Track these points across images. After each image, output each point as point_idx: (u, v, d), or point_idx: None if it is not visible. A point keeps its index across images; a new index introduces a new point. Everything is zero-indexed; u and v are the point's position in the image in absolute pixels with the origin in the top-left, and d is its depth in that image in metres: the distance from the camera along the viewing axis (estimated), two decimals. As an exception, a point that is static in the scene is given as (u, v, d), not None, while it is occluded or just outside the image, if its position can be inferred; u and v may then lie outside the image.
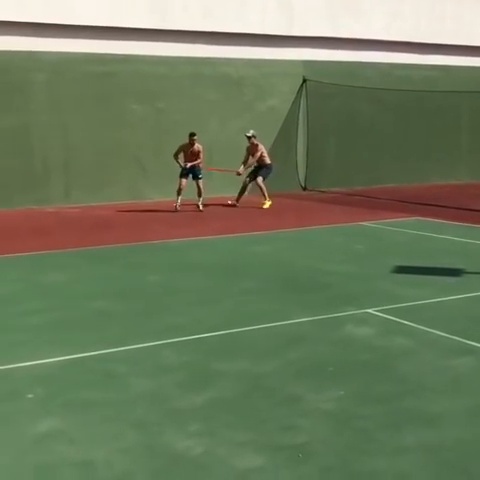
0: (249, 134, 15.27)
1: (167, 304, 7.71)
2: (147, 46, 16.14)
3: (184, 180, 14.61)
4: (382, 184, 18.64)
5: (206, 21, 16.65)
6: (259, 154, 15.22)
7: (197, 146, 14.58)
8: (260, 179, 15.25)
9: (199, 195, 14.68)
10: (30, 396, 5.14)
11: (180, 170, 14.65)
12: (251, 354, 6.02)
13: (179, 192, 14.54)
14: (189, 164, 14.52)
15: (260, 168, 15.39)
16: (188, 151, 14.57)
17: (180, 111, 16.48)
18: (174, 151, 14.60)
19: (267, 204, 15.11)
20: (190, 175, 14.66)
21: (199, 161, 14.65)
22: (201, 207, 14.61)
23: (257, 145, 15.23)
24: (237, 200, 15.33)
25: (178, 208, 14.40)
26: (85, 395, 5.16)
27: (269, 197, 15.12)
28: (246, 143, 15.31)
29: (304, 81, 18.17)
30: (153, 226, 12.90)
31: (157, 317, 7.19)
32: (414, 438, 4.45)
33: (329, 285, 8.47)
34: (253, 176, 15.37)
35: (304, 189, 18.20)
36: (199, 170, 14.70)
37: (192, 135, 14.49)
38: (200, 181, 14.71)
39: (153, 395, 5.16)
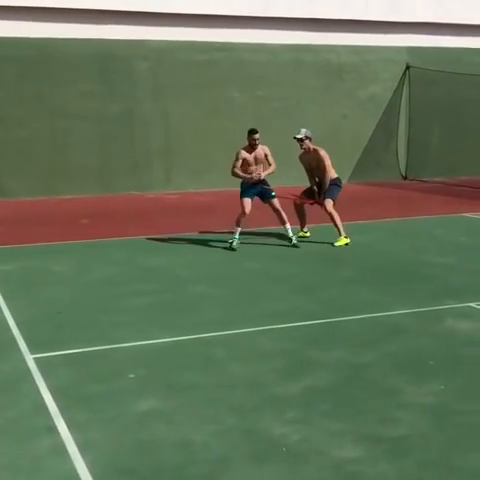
0: (300, 135, 9.99)
1: (266, 291, 7.74)
2: (249, 34, 16.21)
3: (249, 201, 9.69)
4: (488, 174, 18.01)
5: (308, 8, 16.51)
6: (328, 164, 9.95)
7: (262, 148, 9.74)
8: (330, 204, 9.95)
9: (283, 222, 9.78)
10: (132, 376, 5.28)
11: (241, 187, 9.76)
12: (349, 344, 5.96)
13: (239, 221, 9.65)
14: (263, 174, 9.61)
15: (328, 185, 10.03)
16: (251, 157, 9.70)
17: (280, 99, 16.46)
18: (232, 164, 9.72)
19: (343, 241, 9.87)
20: (256, 194, 9.75)
21: (271, 170, 9.73)
22: (294, 239, 9.73)
23: (318, 151, 9.99)
24: (302, 228, 10.51)
25: (235, 246, 9.55)
26: (184, 377, 5.26)
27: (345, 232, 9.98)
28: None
29: (407, 68, 17.75)
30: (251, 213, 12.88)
31: (256, 303, 7.23)
32: (519, 437, 4.29)
33: (430, 277, 8.27)
34: (309, 196, 10.27)
35: (405, 178, 17.83)
36: (269, 186, 9.76)
37: (252, 132, 9.63)
38: (275, 200, 9.76)
39: (251, 380, 5.20)
